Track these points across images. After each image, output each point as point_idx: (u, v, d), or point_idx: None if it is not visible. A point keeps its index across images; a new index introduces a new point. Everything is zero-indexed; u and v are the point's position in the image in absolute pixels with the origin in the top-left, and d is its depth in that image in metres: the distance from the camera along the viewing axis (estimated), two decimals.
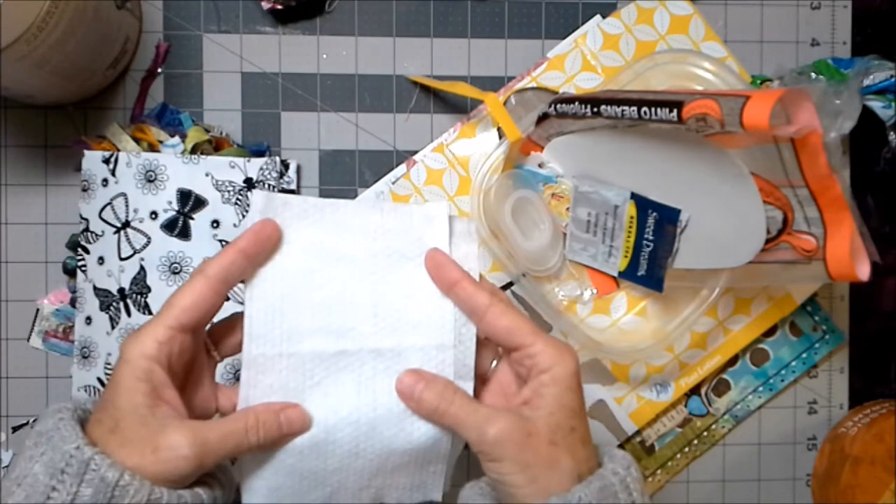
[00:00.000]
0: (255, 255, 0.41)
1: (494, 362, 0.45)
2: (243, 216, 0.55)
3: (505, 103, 0.59)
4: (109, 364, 0.56)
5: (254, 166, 0.55)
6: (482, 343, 0.44)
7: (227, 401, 0.43)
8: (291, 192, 0.58)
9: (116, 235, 0.55)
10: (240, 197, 0.55)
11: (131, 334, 0.40)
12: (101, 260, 0.56)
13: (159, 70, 0.60)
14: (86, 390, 0.56)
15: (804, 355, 0.62)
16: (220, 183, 0.55)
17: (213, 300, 0.40)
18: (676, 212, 0.52)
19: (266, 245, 0.41)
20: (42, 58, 0.48)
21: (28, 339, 0.59)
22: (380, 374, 0.42)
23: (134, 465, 0.36)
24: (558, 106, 0.52)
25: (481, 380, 0.44)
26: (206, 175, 0.55)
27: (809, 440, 0.63)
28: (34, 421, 0.40)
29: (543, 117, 0.53)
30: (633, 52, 0.59)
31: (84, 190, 0.56)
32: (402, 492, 0.44)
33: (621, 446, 0.61)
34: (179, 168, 0.55)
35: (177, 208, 0.55)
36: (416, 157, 0.60)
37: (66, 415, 0.38)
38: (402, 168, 0.60)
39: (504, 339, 0.41)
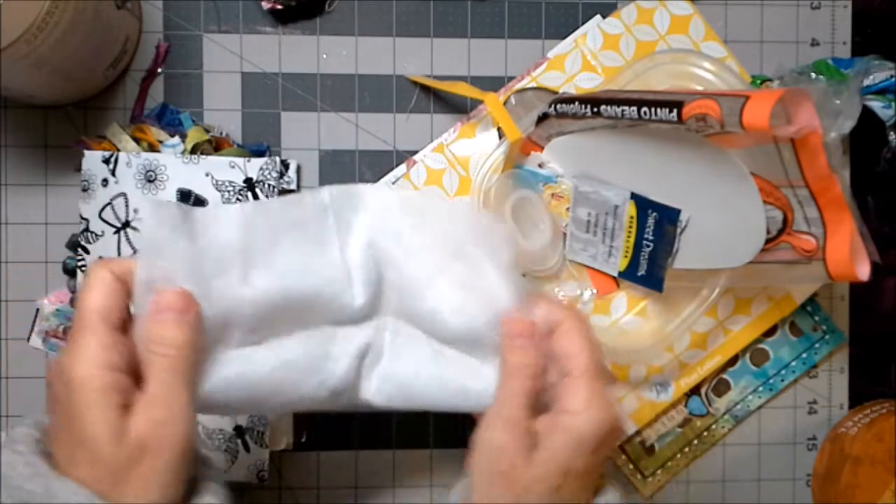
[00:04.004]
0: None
1: None
2: None
3: (505, 103, 0.59)
4: None
5: (254, 166, 0.55)
6: None
7: None
8: (291, 192, 0.58)
9: (116, 235, 0.55)
10: (240, 197, 0.55)
11: (64, 357, 0.36)
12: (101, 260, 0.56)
13: (159, 70, 0.60)
14: None
15: (804, 355, 0.62)
16: (220, 183, 0.55)
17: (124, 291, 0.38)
18: (676, 212, 0.52)
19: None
20: (42, 58, 0.48)
21: (28, 339, 0.59)
22: None
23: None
24: (558, 106, 0.52)
25: None
26: (206, 175, 0.55)
27: (809, 440, 0.63)
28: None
29: (543, 117, 0.53)
30: (633, 52, 0.59)
31: (84, 190, 0.56)
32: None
33: (621, 447, 0.61)
34: (179, 168, 0.55)
35: None
36: (416, 157, 0.60)
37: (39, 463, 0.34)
38: (402, 168, 0.60)
39: (559, 358, 0.39)
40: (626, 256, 0.55)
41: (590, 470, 0.37)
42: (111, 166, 0.55)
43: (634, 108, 0.47)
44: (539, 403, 0.39)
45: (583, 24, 0.61)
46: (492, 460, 0.37)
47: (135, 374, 0.37)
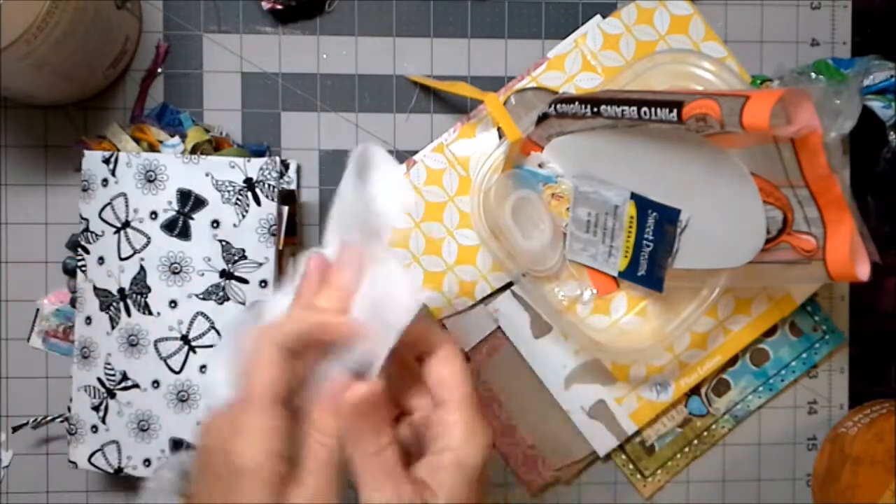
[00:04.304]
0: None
1: None
2: (243, 216, 0.55)
3: (505, 103, 0.59)
4: (109, 364, 0.56)
5: (254, 166, 0.55)
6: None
7: None
8: (291, 192, 0.58)
9: (116, 235, 0.55)
10: (240, 197, 0.55)
11: (230, 434, 0.35)
12: (101, 260, 0.56)
13: (159, 70, 0.60)
14: (85, 390, 0.56)
15: (804, 355, 0.62)
16: (220, 183, 0.55)
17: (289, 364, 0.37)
18: (676, 212, 0.52)
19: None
20: (42, 58, 0.48)
21: (28, 339, 0.59)
22: None
23: None
24: (558, 106, 0.51)
25: None
26: (206, 175, 0.55)
27: (809, 440, 0.63)
28: None
29: (543, 117, 0.53)
30: (633, 52, 0.59)
31: (84, 190, 0.56)
32: None
33: (622, 447, 0.61)
34: (179, 168, 0.55)
35: (177, 208, 0.55)
36: (416, 157, 0.60)
37: None
38: (402, 168, 0.60)
39: (432, 387, 0.38)
40: (626, 256, 0.55)
41: (482, 495, 0.37)
42: (111, 166, 0.55)
43: (634, 108, 0.47)
44: (413, 442, 0.39)
45: (583, 24, 0.61)
46: None
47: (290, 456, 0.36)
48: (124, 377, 0.56)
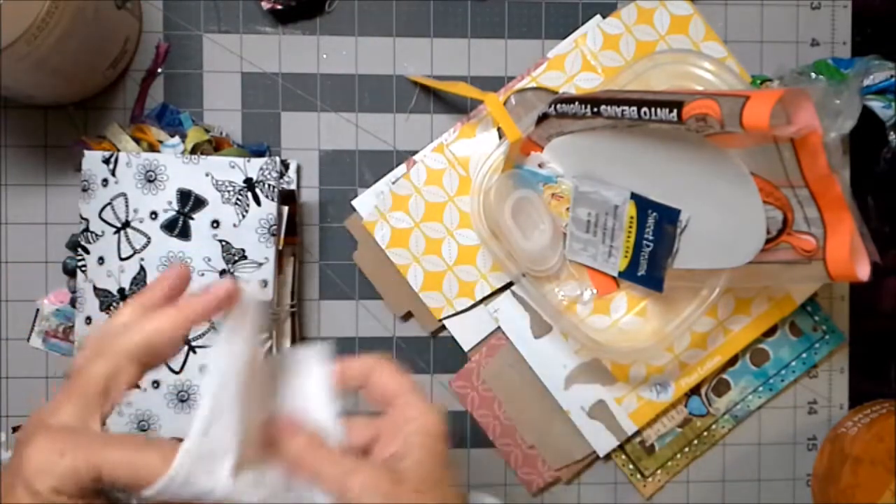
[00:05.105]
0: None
1: None
2: (243, 216, 0.55)
3: (505, 103, 0.59)
4: None
5: (254, 166, 0.55)
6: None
7: None
8: (291, 192, 0.58)
9: (116, 235, 0.55)
10: (240, 197, 0.55)
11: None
12: (101, 260, 0.56)
13: (159, 70, 0.60)
14: None
15: (804, 355, 0.62)
16: (220, 183, 0.55)
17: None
18: (676, 212, 0.52)
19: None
20: (42, 58, 0.48)
21: (28, 339, 0.59)
22: None
23: None
24: (558, 106, 0.51)
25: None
26: (206, 175, 0.55)
27: (809, 440, 0.63)
28: None
29: (543, 117, 0.53)
30: (633, 52, 0.59)
31: (84, 190, 0.56)
32: None
33: (622, 447, 0.61)
34: (179, 168, 0.55)
35: (177, 208, 0.55)
36: (416, 157, 0.60)
37: None
38: (402, 168, 0.60)
39: (380, 398, 0.39)
40: (626, 256, 0.55)
41: (446, 465, 0.38)
42: (111, 166, 0.55)
43: (634, 108, 0.47)
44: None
45: (583, 24, 0.61)
46: (372, 500, 0.35)
47: None
48: None
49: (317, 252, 0.61)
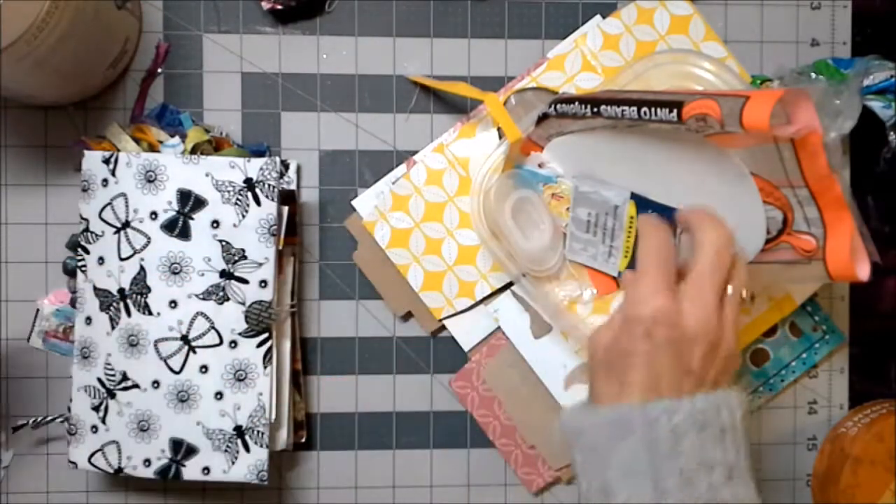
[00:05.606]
0: None
1: None
2: (243, 216, 0.55)
3: (505, 103, 0.59)
4: (109, 364, 0.56)
5: (254, 166, 0.55)
6: None
7: None
8: (291, 192, 0.58)
9: (116, 235, 0.55)
10: (240, 197, 0.55)
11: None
12: (101, 260, 0.56)
13: (159, 70, 0.60)
14: (86, 390, 0.56)
15: (804, 355, 0.62)
16: (220, 183, 0.55)
17: None
18: (676, 212, 0.52)
19: None
20: (42, 58, 0.48)
21: (28, 339, 0.59)
22: None
23: None
24: (558, 106, 0.51)
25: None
26: (206, 175, 0.55)
27: (809, 440, 0.63)
28: None
29: (543, 117, 0.53)
30: (633, 52, 0.59)
31: (84, 190, 0.56)
32: None
33: None
34: (179, 168, 0.55)
35: (177, 208, 0.55)
36: (416, 157, 0.60)
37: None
38: (402, 168, 0.60)
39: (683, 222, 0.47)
40: (626, 256, 0.55)
41: (725, 269, 0.45)
42: (111, 166, 0.55)
43: (634, 108, 0.47)
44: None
45: (583, 24, 0.61)
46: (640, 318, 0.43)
47: None
48: (124, 377, 0.56)
49: (317, 252, 0.61)
